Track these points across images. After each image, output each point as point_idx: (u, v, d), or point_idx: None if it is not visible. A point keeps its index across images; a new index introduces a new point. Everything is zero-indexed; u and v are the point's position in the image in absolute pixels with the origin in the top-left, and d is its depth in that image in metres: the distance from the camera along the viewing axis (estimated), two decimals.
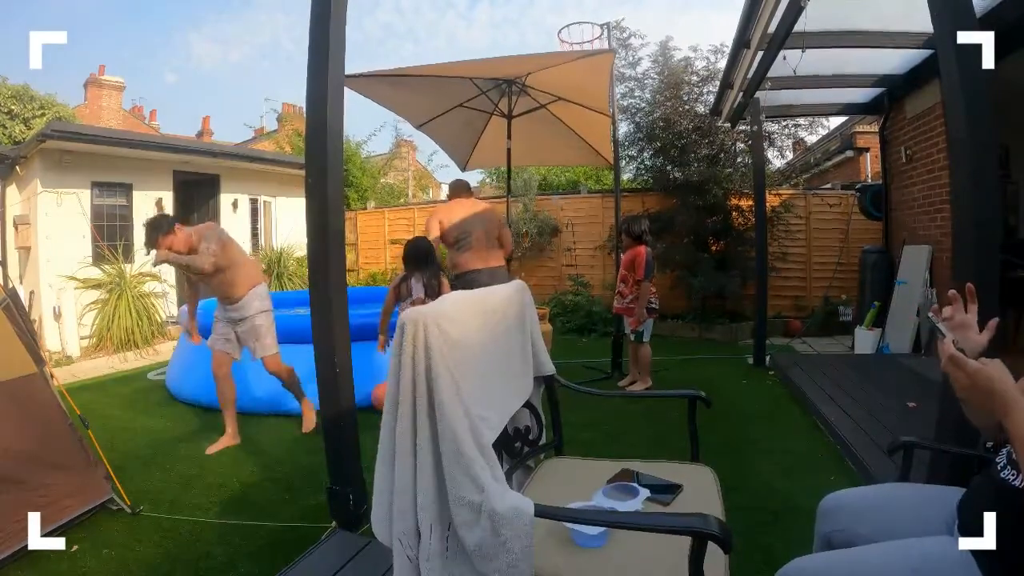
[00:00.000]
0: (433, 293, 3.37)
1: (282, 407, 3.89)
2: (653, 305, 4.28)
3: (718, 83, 5.73)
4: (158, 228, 3.11)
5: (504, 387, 1.62)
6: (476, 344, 1.45)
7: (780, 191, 7.24)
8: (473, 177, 15.93)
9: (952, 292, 1.13)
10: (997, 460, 1.07)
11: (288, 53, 59.15)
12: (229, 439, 3.37)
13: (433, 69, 3.98)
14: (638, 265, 4.17)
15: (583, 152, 5.32)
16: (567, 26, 5.42)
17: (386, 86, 4.24)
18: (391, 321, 3.50)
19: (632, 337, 4.31)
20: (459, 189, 4.16)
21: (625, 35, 7.23)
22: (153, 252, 3.14)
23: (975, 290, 1.12)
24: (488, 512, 1.16)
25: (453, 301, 1.46)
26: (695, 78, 7.07)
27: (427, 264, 3.43)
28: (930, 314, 1.16)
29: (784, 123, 6.92)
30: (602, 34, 5.33)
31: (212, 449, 3.28)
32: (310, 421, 3.56)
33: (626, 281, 4.30)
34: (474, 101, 4.59)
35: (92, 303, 6.71)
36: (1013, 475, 1.01)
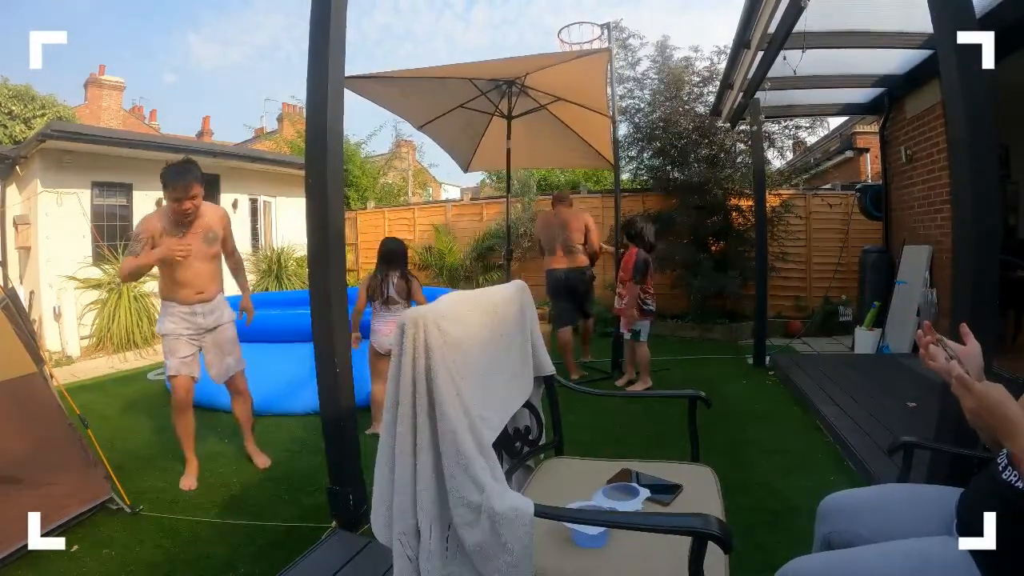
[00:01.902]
0: (402, 293, 3.42)
1: (281, 407, 3.89)
2: (649, 307, 4.29)
3: (718, 83, 5.73)
4: (192, 172, 2.65)
5: (504, 387, 1.62)
6: (476, 344, 1.45)
7: (780, 191, 7.23)
8: (474, 178, 15.94)
9: (926, 323, 1.16)
10: (998, 460, 1.07)
11: (287, 53, 59.22)
12: (195, 468, 2.92)
13: (431, 72, 3.99)
14: (627, 267, 4.26)
15: (584, 154, 5.32)
16: (567, 26, 5.42)
17: (386, 87, 4.25)
18: (364, 320, 3.55)
19: (628, 335, 4.34)
20: (555, 200, 4.98)
21: (624, 35, 7.23)
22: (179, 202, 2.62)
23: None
24: (488, 512, 1.16)
25: (453, 301, 1.46)
26: (696, 78, 7.06)
27: (397, 265, 3.46)
28: (938, 337, 1.17)
29: (784, 123, 6.92)
30: (602, 34, 5.32)
31: (187, 485, 2.82)
32: (263, 459, 3.07)
33: (623, 282, 4.34)
34: (474, 102, 4.59)
35: (92, 303, 6.71)
36: (1015, 476, 1.01)
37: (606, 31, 5.30)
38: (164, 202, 2.78)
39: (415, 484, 1.22)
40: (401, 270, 3.45)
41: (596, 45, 5.26)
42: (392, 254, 3.48)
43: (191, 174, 2.65)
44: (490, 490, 1.18)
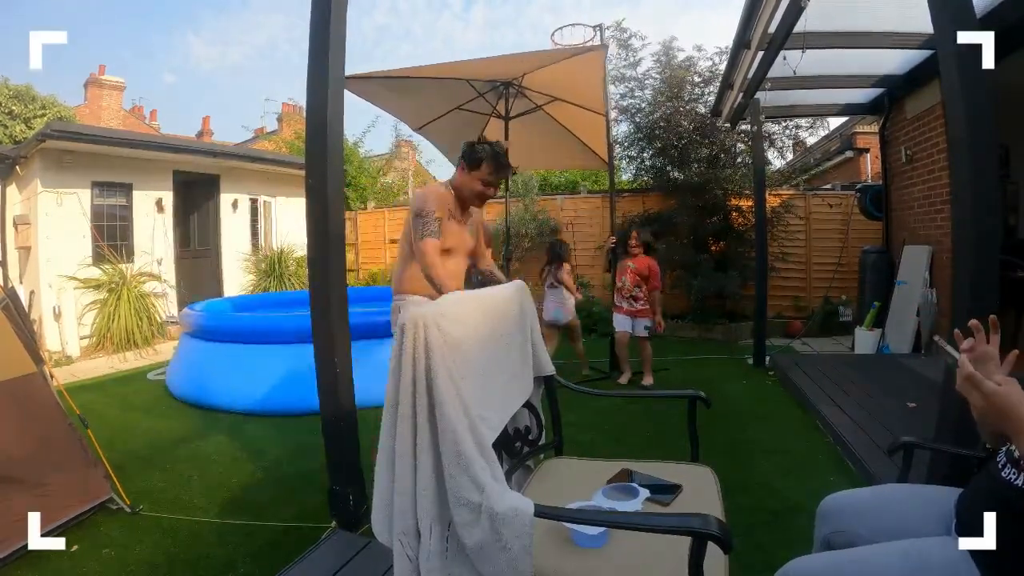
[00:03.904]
0: (552, 279, 4.69)
1: (281, 407, 3.90)
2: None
3: (719, 84, 5.73)
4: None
5: (504, 387, 1.62)
6: (476, 344, 1.45)
7: (780, 191, 7.23)
8: None
9: (974, 322, 1.12)
10: (997, 459, 1.07)
11: (285, 54, 59.14)
12: None
13: (429, 70, 3.99)
14: (653, 275, 4.52)
15: (581, 155, 5.33)
16: (559, 28, 5.41)
17: (384, 88, 4.25)
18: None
19: (647, 334, 4.58)
20: None
21: (626, 35, 7.22)
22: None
23: (997, 322, 1.12)
24: (488, 512, 1.16)
25: (453, 301, 1.46)
26: (697, 78, 7.06)
27: (555, 259, 4.72)
28: (935, 337, 1.16)
29: (784, 124, 6.92)
30: (595, 36, 5.30)
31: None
32: None
33: (640, 287, 4.56)
34: (472, 103, 4.59)
35: (92, 303, 6.71)
36: (1014, 475, 1.01)
37: (598, 32, 5.28)
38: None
39: (415, 484, 1.22)
40: (557, 263, 4.66)
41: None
42: (552, 251, 4.81)
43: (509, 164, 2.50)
44: (490, 490, 1.18)
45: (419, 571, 1.22)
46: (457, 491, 1.19)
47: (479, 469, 1.20)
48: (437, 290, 2.19)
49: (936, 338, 1.16)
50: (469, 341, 1.41)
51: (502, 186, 4.02)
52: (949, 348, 1.11)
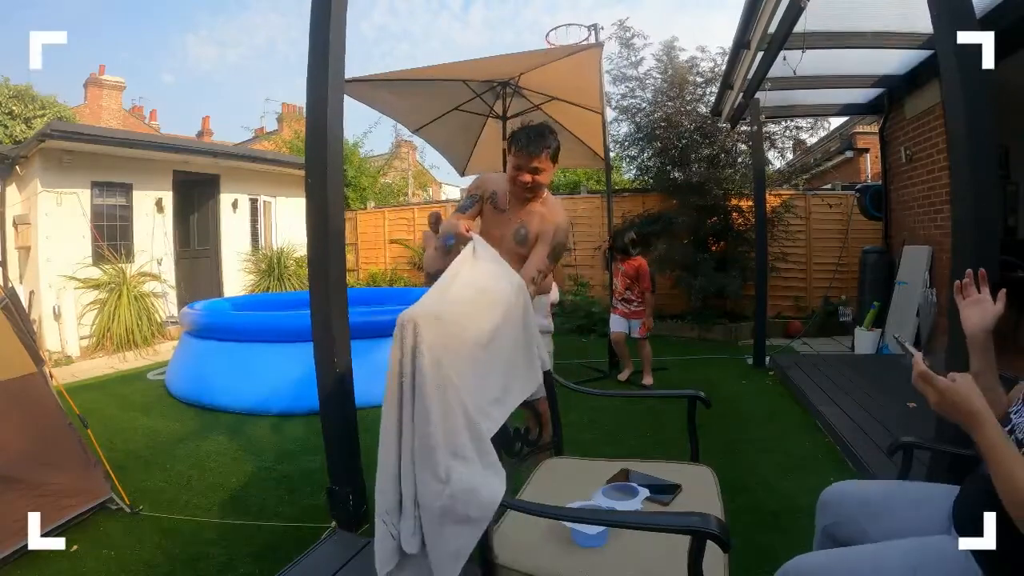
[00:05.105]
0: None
1: (281, 407, 3.90)
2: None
3: (719, 84, 5.73)
4: (544, 140, 2.18)
5: (505, 385, 1.61)
6: (475, 338, 1.45)
7: (780, 191, 7.24)
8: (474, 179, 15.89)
9: (967, 271, 1.24)
10: None
11: (284, 54, 59.10)
12: None
13: (426, 72, 4.00)
14: (643, 277, 4.52)
15: (580, 154, 5.33)
16: (554, 29, 5.42)
17: (382, 91, 4.26)
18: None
19: (646, 336, 4.59)
20: None
21: (628, 35, 7.21)
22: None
23: (986, 274, 1.23)
24: (451, 494, 1.17)
25: (453, 299, 1.46)
26: (699, 79, 7.06)
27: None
28: (895, 335, 1.20)
29: (784, 124, 6.92)
30: (589, 35, 5.30)
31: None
32: None
33: (632, 288, 4.59)
34: (469, 104, 4.60)
35: (92, 303, 6.71)
36: None
37: (593, 33, 5.28)
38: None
39: (399, 465, 1.23)
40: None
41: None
42: None
43: (543, 142, 2.17)
44: (454, 476, 1.19)
45: (401, 547, 1.22)
46: (433, 475, 1.20)
47: (466, 459, 1.21)
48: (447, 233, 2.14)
49: (896, 335, 1.19)
50: (468, 336, 1.41)
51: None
52: (907, 345, 1.13)
